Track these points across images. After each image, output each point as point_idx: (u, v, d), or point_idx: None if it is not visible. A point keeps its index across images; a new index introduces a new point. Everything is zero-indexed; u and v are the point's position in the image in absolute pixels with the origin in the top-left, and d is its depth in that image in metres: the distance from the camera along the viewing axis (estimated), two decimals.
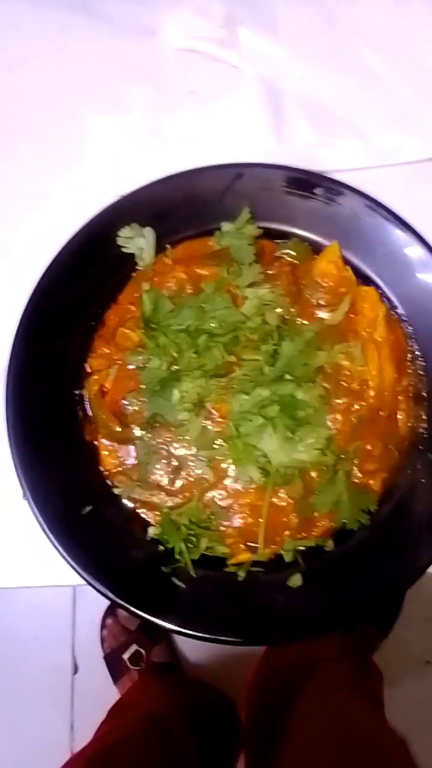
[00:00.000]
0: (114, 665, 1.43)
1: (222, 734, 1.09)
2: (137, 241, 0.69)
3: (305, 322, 0.68)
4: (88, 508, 0.63)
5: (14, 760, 1.51)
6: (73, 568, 0.60)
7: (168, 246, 0.71)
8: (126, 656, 1.39)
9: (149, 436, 0.65)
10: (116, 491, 0.65)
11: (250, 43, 0.81)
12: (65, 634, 1.56)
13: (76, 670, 1.55)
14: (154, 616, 0.60)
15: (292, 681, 0.96)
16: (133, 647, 1.38)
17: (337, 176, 0.73)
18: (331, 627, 0.60)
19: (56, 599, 1.55)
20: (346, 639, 1.24)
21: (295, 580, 0.61)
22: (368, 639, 1.39)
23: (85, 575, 0.60)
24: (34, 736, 1.51)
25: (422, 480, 0.65)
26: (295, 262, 0.71)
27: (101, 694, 1.34)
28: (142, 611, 0.60)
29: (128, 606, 0.60)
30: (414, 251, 0.68)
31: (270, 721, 0.94)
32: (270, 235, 0.71)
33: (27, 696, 1.54)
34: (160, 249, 0.71)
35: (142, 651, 1.38)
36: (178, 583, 0.61)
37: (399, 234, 0.68)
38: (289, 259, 0.71)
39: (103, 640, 1.45)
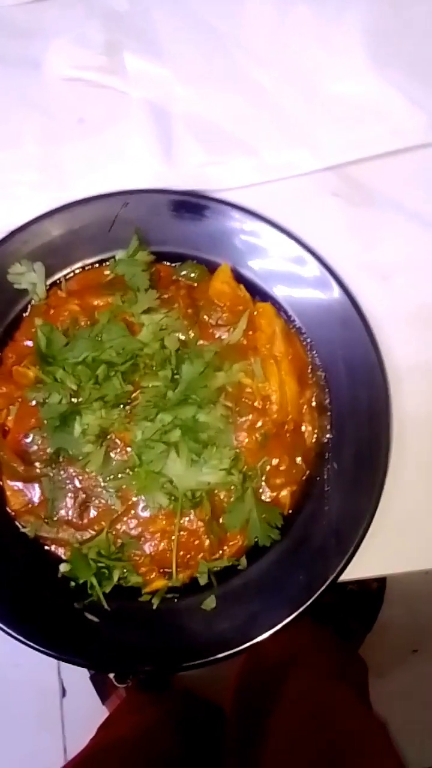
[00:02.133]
0: (101, 685, 1.43)
1: (211, 743, 1.10)
2: (29, 276, 0.70)
3: (205, 342, 0.69)
4: None
5: None
6: None
7: (61, 279, 0.71)
8: (112, 675, 1.39)
9: (54, 472, 0.65)
10: (24, 531, 0.64)
11: (135, 68, 0.81)
12: (50, 659, 1.54)
13: (64, 693, 1.55)
14: (68, 655, 0.60)
15: (273, 675, 0.97)
16: None
17: (230, 194, 0.74)
18: (246, 645, 0.60)
19: None
20: (326, 632, 1.25)
21: (209, 603, 0.62)
22: (351, 634, 1.41)
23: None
24: (27, 762, 1.52)
25: (330, 489, 0.66)
26: (193, 284, 0.72)
27: (92, 715, 1.33)
28: (58, 652, 0.60)
29: (41, 648, 0.59)
30: (304, 263, 0.69)
31: (252, 716, 0.96)
32: (165, 258, 0.72)
33: (17, 722, 1.54)
34: (54, 282, 0.71)
35: None
36: (91, 618, 0.61)
37: (289, 248, 0.70)
38: (185, 281, 0.72)
39: None
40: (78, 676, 1.49)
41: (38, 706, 1.54)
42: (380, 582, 1.50)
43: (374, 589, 1.49)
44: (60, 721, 1.54)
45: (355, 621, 1.45)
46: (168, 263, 0.73)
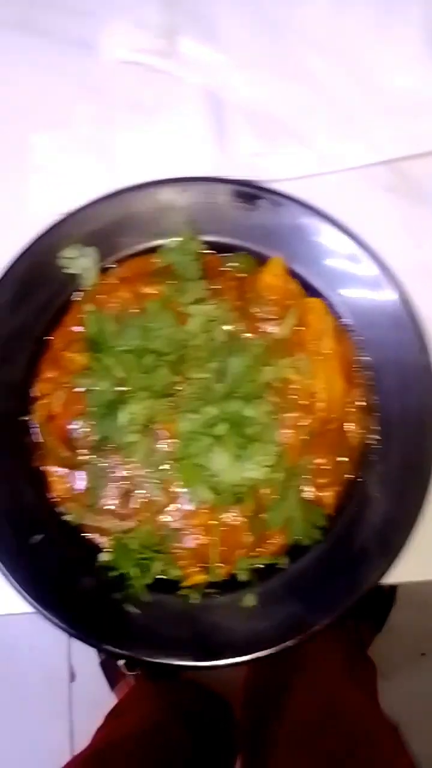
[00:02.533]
0: (110, 672, 1.44)
1: (218, 737, 1.11)
2: (81, 261, 0.69)
3: (252, 336, 0.68)
4: (38, 537, 0.63)
5: None
6: (25, 599, 0.60)
7: (113, 265, 0.70)
8: (122, 662, 1.39)
9: (98, 460, 0.65)
10: (66, 518, 0.64)
11: (190, 53, 0.80)
12: (61, 642, 1.57)
13: (73, 677, 1.56)
14: (107, 644, 0.60)
15: (284, 675, 0.97)
16: None
17: (282, 186, 0.73)
18: (284, 645, 0.60)
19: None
20: (337, 632, 1.25)
21: (249, 600, 0.62)
22: (361, 633, 1.40)
23: (37, 605, 0.60)
24: (34, 745, 1.53)
25: (374, 491, 0.65)
26: (242, 275, 0.71)
27: (99, 700, 1.36)
28: (95, 639, 0.60)
29: (80, 635, 0.60)
30: (359, 261, 0.68)
31: (263, 716, 0.97)
32: (216, 248, 0.71)
33: (25, 705, 1.56)
34: (104, 268, 0.70)
35: None
36: (130, 609, 0.61)
37: (343, 244, 0.69)
38: (235, 273, 0.71)
39: None
40: (87, 661, 1.51)
41: (47, 688, 1.56)
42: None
43: (386, 590, 1.48)
44: (68, 705, 1.56)
45: (365, 621, 1.44)
46: (218, 254, 0.71)
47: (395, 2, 0.84)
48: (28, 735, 1.54)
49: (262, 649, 0.59)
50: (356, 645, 1.34)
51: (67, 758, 1.45)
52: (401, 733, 0.86)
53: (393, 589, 1.49)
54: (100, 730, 1.06)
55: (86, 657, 1.50)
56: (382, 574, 0.62)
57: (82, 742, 0.99)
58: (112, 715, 1.13)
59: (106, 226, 0.70)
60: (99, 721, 1.11)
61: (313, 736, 0.81)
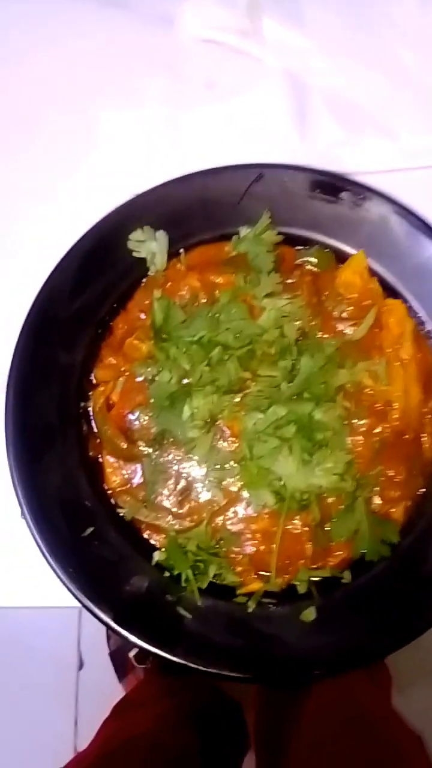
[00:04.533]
0: (120, 663, 1.43)
1: (228, 736, 1.09)
2: (149, 245, 0.67)
3: (326, 336, 0.66)
4: (89, 530, 0.61)
5: (18, 755, 1.52)
6: (72, 594, 0.59)
7: (182, 251, 0.69)
8: (132, 654, 1.39)
9: (157, 453, 0.63)
10: (120, 512, 0.63)
11: (274, 34, 0.78)
12: (71, 630, 1.57)
13: (81, 665, 1.56)
14: (157, 648, 0.58)
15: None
16: None
17: (364, 179, 0.70)
18: (344, 667, 0.57)
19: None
20: None
21: (309, 614, 0.59)
22: None
23: (84, 601, 0.59)
24: (38, 731, 1.53)
25: None
26: (317, 270, 0.69)
27: (106, 690, 1.34)
28: (144, 642, 0.58)
29: (130, 636, 0.58)
30: None
31: (279, 717, 0.94)
32: (291, 241, 0.69)
33: (32, 691, 1.56)
34: (173, 254, 0.69)
35: None
36: (183, 612, 0.59)
37: (431, 245, 0.66)
38: (310, 267, 0.68)
39: (108, 637, 1.46)
40: (96, 650, 1.49)
41: (54, 675, 1.56)
42: None
43: None
44: (74, 693, 1.55)
45: None
46: (294, 246, 0.69)
47: None
48: (32, 720, 1.54)
49: (323, 668, 0.57)
50: None
51: (69, 745, 1.46)
52: (425, 743, 0.84)
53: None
54: (106, 723, 1.04)
55: (95, 646, 1.49)
56: None
57: (87, 731, 0.98)
58: (119, 710, 1.12)
59: (177, 210, 0.68)
60: (104, 710, 1.09)
61: (337, 741, 0.79)
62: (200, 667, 0.57)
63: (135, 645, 0.58)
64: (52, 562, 0.59)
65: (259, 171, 0.68)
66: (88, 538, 0.61)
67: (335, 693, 0.90)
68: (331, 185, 0.67)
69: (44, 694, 1.55)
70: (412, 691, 1.46)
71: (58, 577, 0.59)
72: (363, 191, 0.67)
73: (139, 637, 0.58)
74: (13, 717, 1.54)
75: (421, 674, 1.50)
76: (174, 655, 0.58)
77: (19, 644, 1.56)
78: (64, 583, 0.59)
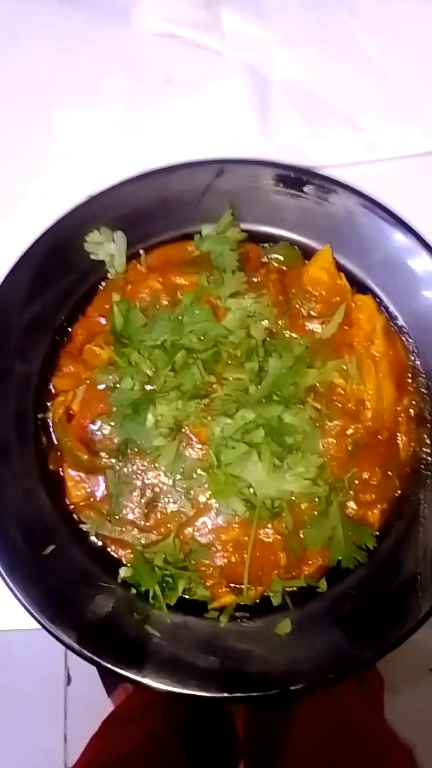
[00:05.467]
0: (108, 677, 1.41)
1: (218, 748, 1.08)
2: (107, 246, 0.65)
3: (295, 335, 0.64)
4: (50, 548, 0.58)
5: None
6: (33, 616, 0.56)
7: (142, 252, 0.66)
8: None
9: (120, 464, 0.61)
10: (83, 527, 0.60)
11: (233, 26, 0.77)
12: (58, 645, 1.54)
13: (69, 680, 1.55)
14: (124, 670, 0.55)
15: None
16: None
17: (329, 172, 0.69)
18: (323, 681, 0.55)
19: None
20: None
21: (284, 626, 0.57)
22: None
23: (45, 623, 0.56)
24: (27, 747, 1.52)
25: (426, 510, 0.60)
26: (284, 268, 0.67)
27: (95, 704, 1.34)
28: (110, 664, 0.56)
29: (94, 658, 0.55)
30: (415, 255, 0.64)
31: (269, 727, 0.94)
32: (255, 238, 0.67)
33: (20, 707, 1.55)
34: (133, 255, 0.66)
35: None
36: (151, 631, 0.57)
37: (399, 237, 0.64)
38: (276, 265, 0.67)
39: None
40: (85, 665, 1.47)
41: (42, 690, 1.55)
42: None
43: None
44: (63, 708, 1.54)
45: None
46: (258, 243, 0.67)
47: None
48: (21, 736, 1.53)
49: (300, 683, 0.55)
50: None
51: (59, 761, 1.44)
52: (416, 757, 0.83)
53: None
54: (95, 738, 1.03)
55: (83, 661, 1.48)
56: None
57: (77, 746, 0.97)
58: (109, 724, 1.10)
59: (135, 209, 0.66)
60: (93, 725, 1.08)
61: (326, 754, 0.78)
62: (170, 688, 0.55)
63: (101, 667, 0.56)
64: (11, 583, 0.56)
65: (219, 167, 0.66)
66: (49, 556, 0.58)
67: (324, 704, 0.88)
68: (295, 179, 0.66)
69: (33, 711, 1.55)
70: (405, 694, 1.46)
71: (17, 598, 0.56)
72: (327, 184, 0.65)
73: (104, 659, 0.56)
74: (2, 734, 1.52)
75: (412, 678, 1.50)
76: (142, 677, 0.55)
77: (6, 661, 1.55)
78: (24, 605, 0.56)
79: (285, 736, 0.86)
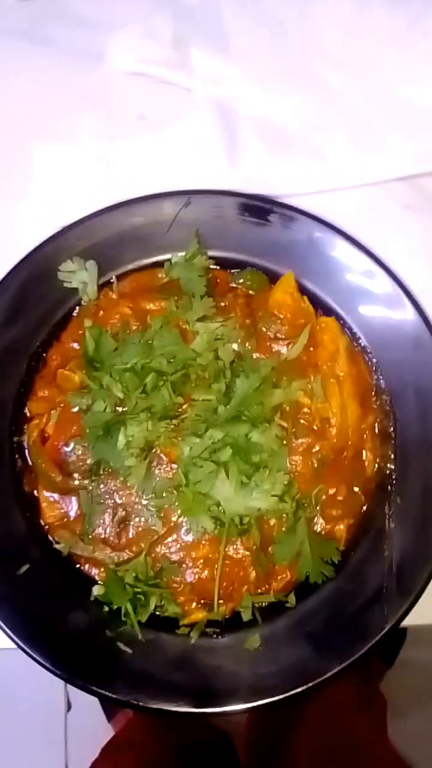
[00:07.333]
0: (107, 703, 1.40)
1: None
2: (80, 274, 0.69)
3: (261, 356, 0.67)
4: (25, 567, 0.61)
5: None
6: (6, 634, 0.58)
7: (114, 279, 0.70)
8: None
9: (93, 485, 0.64)
10: (57, 547, 0.63)
11: (201, 64, 0.81)
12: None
13: (69, 707, 1.57)
14: (95, 686, 0.57)
15: (292, 705, 0.95)
16: None
17: (294, 200, 0.73)
18: (291, 695, 0.57)
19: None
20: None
21: (253, 641, 0.59)
22: (371, 666, 1.37)
23: (18, 641, 0.58)
24: None
25: (391, 524, 0.63)
26: (251, 292, 0.70)
27: (95, 731, 1.36)
28: (82, 680, 0.58)
29: (67, 676, 0.57)
30: (375, 277, 0.67)
31: (271, 747, 0.95)
32: (224, 264, 0.71)
33: (20, 734, 1.56)
34: (106, 283, 0.70)
35: None
36: (123, 648, 0.59)
37: (359, 261, 0.68)
38: (244, 289, 0.70)
39: None
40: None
41: (42, 717, 1.56)
42: None
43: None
44: (63, 735, 1.56)
45: (374, 654, 1.41)
46: (226, 270, 0.71)
47: (415, 17, 0.84)
48: (23, 763, 1.55)
49: (267, 697, 0.57)
50: (366, 677, 1.31)
51: None
52: None
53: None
54: (96, 764, 1.04)
55: None
56: (401, 616, 0.59)
57: None
58: (109, 750, 1.11)
59: (107, 239, 0.70)
60: (94, 751, 1.09)
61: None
62: (141, 703, 0.57)
63: (73, 684, 0.58)
64: None
65: (187, 198, 0.70)
66: (24, 575, 0.60)
67: (326, 726, 0.89)
68: (259, 208, 0.70)
69: (33, 738, 1.56)
70: (410, 716, 1.47)
71: None
72: (290, 213, 0.69)
73: (77, 676, 0.58)
74: (4, 761, 1.54)
75: (417, 700, 1.51)
76: (114, 693, 0.57)
77: (5, 688, 1.57)
78: None
79: (287, 759, 0.86)
